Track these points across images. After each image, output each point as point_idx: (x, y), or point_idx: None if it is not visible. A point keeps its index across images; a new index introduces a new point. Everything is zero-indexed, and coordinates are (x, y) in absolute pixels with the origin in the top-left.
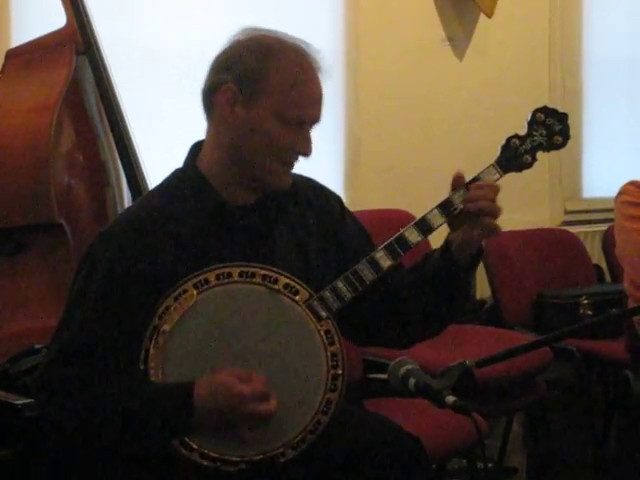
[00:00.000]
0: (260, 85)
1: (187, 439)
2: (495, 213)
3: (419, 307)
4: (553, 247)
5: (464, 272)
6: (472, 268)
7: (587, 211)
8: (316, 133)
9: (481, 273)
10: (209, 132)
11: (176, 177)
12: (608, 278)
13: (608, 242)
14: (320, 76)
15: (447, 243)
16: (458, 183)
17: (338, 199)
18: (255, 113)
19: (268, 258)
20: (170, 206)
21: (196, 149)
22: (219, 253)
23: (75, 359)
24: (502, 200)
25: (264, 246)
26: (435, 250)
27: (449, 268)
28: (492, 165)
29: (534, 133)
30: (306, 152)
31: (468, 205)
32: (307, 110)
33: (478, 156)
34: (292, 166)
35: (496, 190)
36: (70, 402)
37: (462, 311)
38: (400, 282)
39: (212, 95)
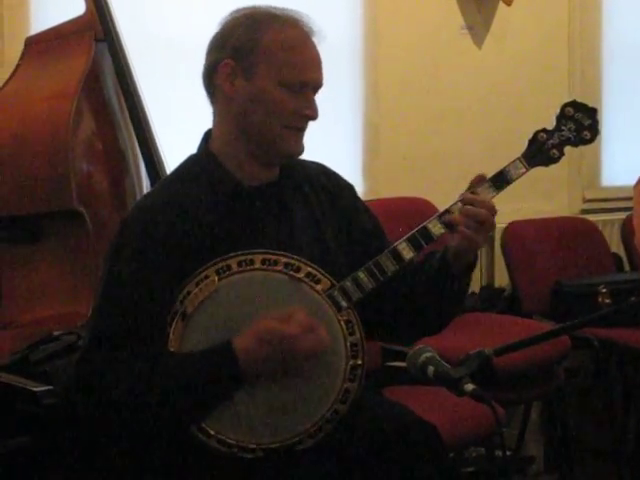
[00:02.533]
0: (256, 54)
1: (204, 425)
2: (481, 232)
3: (417, 306)
4: (572, 236)
5: (458, 279)
6: (465, 276)
7: (606, 199)
8: (335, 121)
9: (500, 261)
10: (215, 114)
11: (190, 162)
12: (627, 266)
13: (627, 230)
14: (315, 39)
15: (446, 248)
16: (481, 179)
17: (350, 186)
18: (256, 83)
19: (288, 238)
20: (187, 190)
21: (208, 135)
22: (240, 235)
23: (111, 343)
24: (521, 189)
25: (284, 226)
26: (436, 252)
27: (444, 274)
28: (519, 159)
29: (562, 127)
30: (312, 114)
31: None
32: (306, 72)
33: (497, 144)
34: (301, 130)
35: (489, 207)
36: (116, 382)
37: (458, 312)
38: (401, 280)
39: (212, 76)
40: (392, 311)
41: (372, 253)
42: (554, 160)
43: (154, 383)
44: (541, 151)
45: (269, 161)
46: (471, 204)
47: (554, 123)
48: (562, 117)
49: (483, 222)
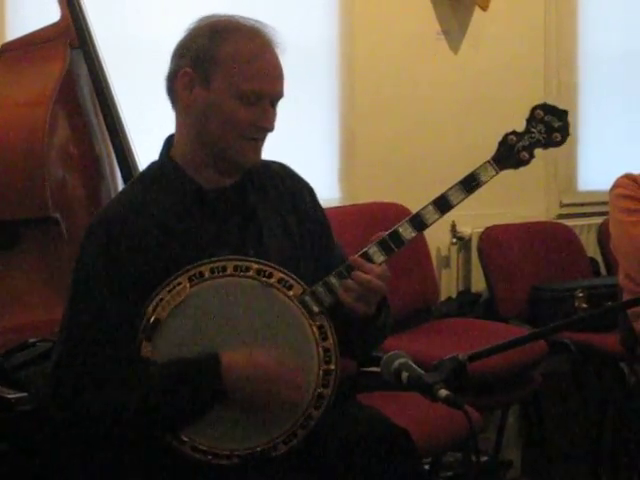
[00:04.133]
0: (213, 64)
1: (178, 432)
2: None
3: (341, 332)
4: (548, 240)
5: (358, 327)
6: (370, 323)
7: (582, 204)
8: (311, 126)
9: (476, 266)
10: (177, 120)
11: (152, 169)
12: (603, 271)
13: (603, 235)
14: (276, 51)
15: None
16: (353, 260)
17: (309, 188)
18: (212, 93)
19: (255, 239)
20: (149, 196)
21: (170, 140)
22: (205, 238)
23: (83, 351)
24: (497, 194)
25: (250, 227)
26: None
27: (343, 318)
28: (488, 162)
29: (532, 130)
30: (267, 126)
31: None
32: (262, 84)
33: (473, 149)
34: (258, 141)
35: (378, 276)
36: (91, 393)
37: (372, 348)
38: None
39: (172, 83)
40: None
41: (324, 256)
42: (524, 163)
43: (133, 388)
44: (511, 153)
45: (227, 170)
46: (362, 270)
47: (524, 126)
48: (532, 119)
49: (373, 291)
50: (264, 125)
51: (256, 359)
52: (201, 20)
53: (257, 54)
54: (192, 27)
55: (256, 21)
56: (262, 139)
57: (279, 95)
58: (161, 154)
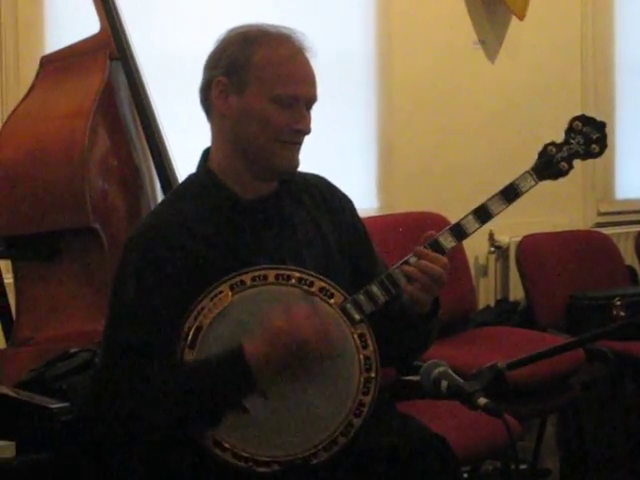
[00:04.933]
0: (247, 71)
1: (219, 439)
2: (429, 288)
3: (387, 338)
4: (586, 249)
5: (415, 326)
6: (423, 323)
7: (620, 212)
8: (349, 136)
9: (514, 275)
10: (213, 132)
11: (190, 181)
12: None
13: None
14: (307, 55)
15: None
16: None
17: (349, 201)
18: (247, 99)
19: (292, 250)
20: (187, 208)
21: (207, 153)
22: (243, 249)
23: (123, 364)
24: (535, 202)
25: (286, 238)
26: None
27: (400, 315)
28: (528, 172)
29: (571, 141)
30: (304, 129)
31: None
32: (297, 87)
33: (510, 159)
34: (295, 145)
35: (442, 263)
36: (130, 401)
37: (421, 353)
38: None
39: (207, 94)
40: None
41: (366, 269)
42: (563, 173)
43: (168, 393)
44: (550, 164)
45: (266, 176)
46: (427, 259)
47: (563, 137)
48: (571, 131)
49: (436, 278)
50: (301, 127)
51: (268, 329)
52: (231, 30)
53: (290, 58)
54: (222, 38)
55: (285, 27)
56: (299, 142)
57: (313, 98)
58: (198, 166)
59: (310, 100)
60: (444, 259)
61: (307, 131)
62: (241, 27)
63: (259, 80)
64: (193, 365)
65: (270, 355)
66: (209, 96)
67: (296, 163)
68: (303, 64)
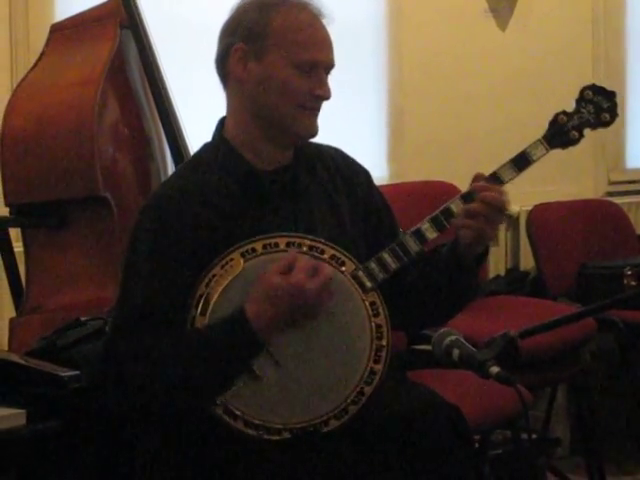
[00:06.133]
0: (266, 37)
1: (231, 406)
2: (500, 213)
3: (424, 295)
4: (597, 218)
5: (468, 271)
6: (477, 267)
7: (631, 182)
8: (359, 105)
9: (525, 244)
10: (229, 100)
11: (205, 150)
12: None
13: None
14: (324, 21)
15: (456, 240)
16: (474, 186)
17: (365, 171)
18: (267, 64)
19: (306, 220)
20: (203, 177)
21: (222, 122)
22: (257, 218)
23: (134, 329)
24: (546, 171)
25: (300, 208)
26: (445, 244)
27: (453, 262)
28: (539, 140)
29: (582, 110)
30: (324, 94)
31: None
32: (316, 52)
33: (521, 127)
34: (314, 110)
35: (504, 195)
36: (140, 366)
37: (466, 303)
38: (408, 268)
39: (224, 61)
40: (399, 299)
41: (385, 235)
42: (573, 142)
43: (177, 358)
44: (561, 133)
45: (283, 143)
46: (488, 191)
47: (573, 106)
48: (581, 100)
49: (501, 209)
50: (321, 93)
51: (264, 286)
52: None
53: (308, 24)
54: (239, 5)
55: None
56: (318, 108)
57: (332, 63)
58: (214, 135)
59: (329, 65)
60: (502, 189)
61: (327, 96)
62: None
63: (278, 46)
64: (201, 331)
65: (270, 311)
66: (226, 64)
67: (315, 129)
68: (321, 30)
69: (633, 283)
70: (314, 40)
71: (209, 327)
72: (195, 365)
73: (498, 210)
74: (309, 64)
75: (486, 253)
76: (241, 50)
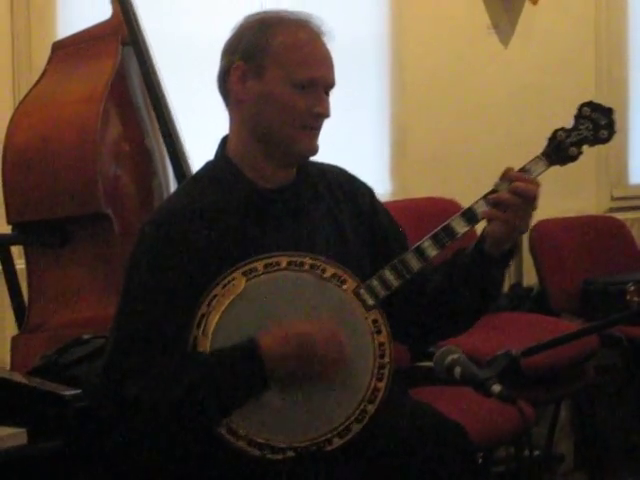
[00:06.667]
0: (266, 55)
1: (234, 426)
2: (530, 205)
3: (449, 303)
4: (599, 234)
5: (497, 267)
6: (505, 263)
7: (634, 197)
8: (362, 121)
9: (528, 260)
10: (231, 118)
11: (207, 168)
12: None
13: None
14: (324, 39)
15: (482, 237)
16: (507, 174)
17: (369, 189)
18: (266, 83)
19: (308, 240)
20: (205, 196)
21: (225, 140)
22: (259, 238)
23: (135, 348)
24: (548, 187)
25: (303, 228)
26: (465, 248)
27: (482, 263)
28: (538, 157)
29: (580, 127)
30: (323, 112)
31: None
32: (315, 70)
33: (524, 144)
34: (315, 129)
35: (537, 185)
36: (140, 387)
37: (492, 305)
38: (427, 277)
39: (225, 80)
40: (421, 310)
41: (392, 253)
42: (572, 158)
43: (180, 382)
44: (560, 149)
45: (284, 162)
46: (520, 181)
47: (572, 122)
48: (580, 117)
49: (532, 199)
50: (320, 111)
51: (290, 328)
52: (248, 17)
53: (308, 42)
54: (240, 24)
55: (302, 13)
56: (318, 127)
57: (332, 82)
58: (217, 153)
59: (329, 84)
60: (536, 182)
61: (327, 115)
62: (258, 13)
63: (278, 65)
64: (207, 356)
65: (285, 355)
66: (227, 82)
67: (315, 148)
68: (321, 48)
69: (636, 299)
70: (313, 58)
71: (217, 353)
72: (199, 389)
73: (528, 201)
74: (307, 82)
75: (512, 251)
76: (241, 69)
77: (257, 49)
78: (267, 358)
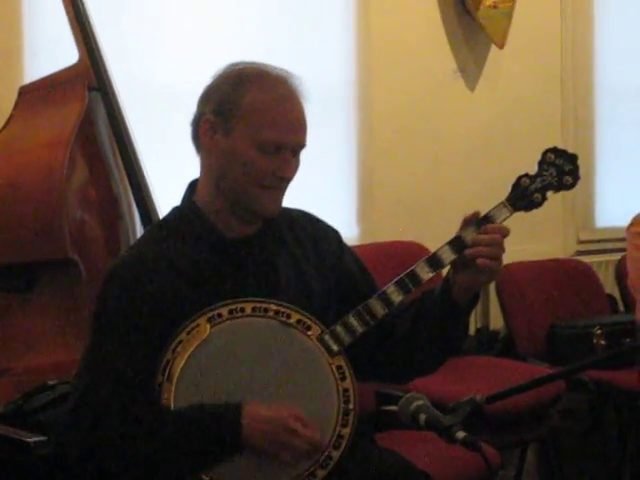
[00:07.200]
0: (235, 112)
1: (207, 477)
2: (495, 257)
3: (416, 344)
4: (566, 277)
5: (463, 314)
6: (471, 308)
7: (600, 240)
8: (329, 165)
9: (494, 304)
10: (201, 166)
11: (174, 214)
12: (622, 308)
13: (621, 272)
14: (300, 100)
15: (447, 283)
16: (471, 219)
17: (336, 233)
18: (232, 140)
19: (272, 289)
20: (171, 242)
21: (193, 185)
22: (224, 286)
23: (103, 393)
24: (515, 231)
25: (267, 276)
26: (434, 289)
27: (448, 309)
28: (502, 203)
29: (544, 173)
30: (286, 175)
31: (468, 251)
32: (282, 134)
33: (490, 188)
34: (277, 190)
35: (505, 232)
36: (108, 435)
37: (458, 349)
38: (395, 319)
39: (197, 128)
40: (389, 351)
41: (359, 297)
42: (536, 205)
43: (150, 439)
44: (524, 195)
45: (246, 218)
46: (486, 232)
47: (536, 169)
48: (544, 163)
49: (499, 246)
50: (283, 174)
51: (276, 413)
52: (229, 66)
53: (279, 103)
54: (219, 73)
55: (283, 70)
56: (282, 188)
57: (300, 145)
58: (183, 199)
59: (296, 146)
60: (503, 228)
61: (290, 179)
62: (239, 64)
63: (246, 123)
64: (181, 411)
65: (265, 433)
66: (198, 132)
67: (277, 207)
68: (292, 110)
69: (602, 342)
70: (282, 121)
71: (198, 410)
72: (170, 446)
73: (499, 246)
74: (274, 145)
75: (478, 295)
76: (210, 122)
77: (227, 106)
78: (246, 428)
